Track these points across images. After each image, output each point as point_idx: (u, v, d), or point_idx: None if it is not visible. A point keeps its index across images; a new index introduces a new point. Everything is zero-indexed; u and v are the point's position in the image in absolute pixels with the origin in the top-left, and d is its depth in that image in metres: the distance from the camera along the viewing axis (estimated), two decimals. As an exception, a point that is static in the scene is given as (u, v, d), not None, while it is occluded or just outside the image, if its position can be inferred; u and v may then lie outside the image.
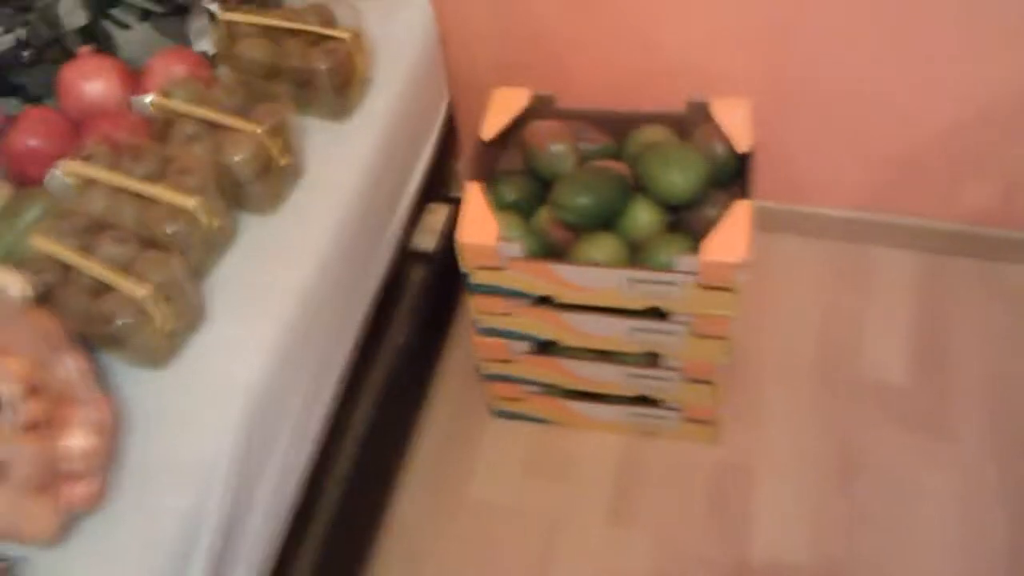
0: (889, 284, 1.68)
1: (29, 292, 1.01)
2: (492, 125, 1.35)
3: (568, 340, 1.37)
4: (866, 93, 1.49)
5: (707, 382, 1.38)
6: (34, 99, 1.30)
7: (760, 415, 1.53)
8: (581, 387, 1.47)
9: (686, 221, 1.30)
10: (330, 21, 1.32)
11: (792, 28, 1.43)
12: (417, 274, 1.54)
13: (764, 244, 1.71)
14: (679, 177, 1.25)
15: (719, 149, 1.30)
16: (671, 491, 1.47)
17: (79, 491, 0.94)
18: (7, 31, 1.26)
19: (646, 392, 1.44)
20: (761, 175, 1.41)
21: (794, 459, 1.48)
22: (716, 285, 1.20)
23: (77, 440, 0.94)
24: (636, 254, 1.28)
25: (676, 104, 1.36)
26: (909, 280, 1.68)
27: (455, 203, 1.59)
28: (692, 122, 1.35)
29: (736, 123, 1.31)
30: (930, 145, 1.54)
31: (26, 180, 1.21)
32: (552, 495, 1.48)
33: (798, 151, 1.61)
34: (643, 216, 1.28)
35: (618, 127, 1.38)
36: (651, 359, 1.38)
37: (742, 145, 1.29)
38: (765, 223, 1.70)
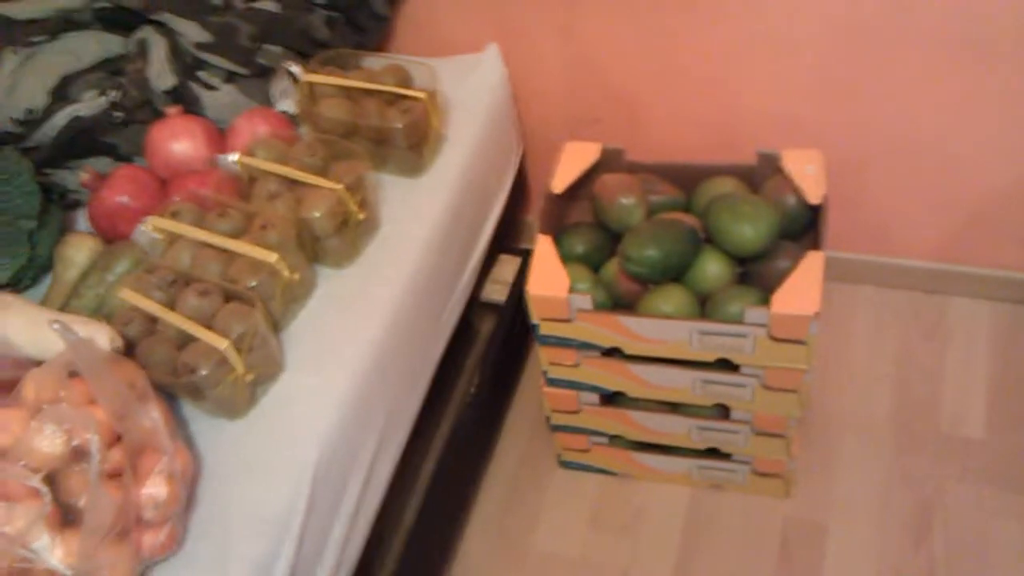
0: (967, 335, 1.64)
1: (117, 343, 1.05)
2: (562, 178, 1.37)
3: (636, 392, 1.37)
4: (942, 143, 1.48)
5: (779, 435, 1.36)
6: (124, 158, 1.36)
7: (833, 469, 1.50)
8: (649, 439, 1.46)
9: (756, 274, 1.29)
10: (407, 81, 1.37)
11: (867, 79, 1.43)
12: (487, 325, 1.56)
13: (840, 295, 1.69)
14: (749, 229, 1.25)
15: (790, 201, 1.30)
16: (740, 546, 1.44)
17: (156, 539, 0.97)
18: (101, 93, 1.32)
19: (715, 445, 1.42)
20: (836, 225, 1.41)
21: (868, 514, 1.44)
22: (787, 338, 1.19)
23: (156, 489, 0.96)
24: (705, 307, 1.27)
25: (746, 157, 1.36)
26: (987, 331, 1.64)
27: (525, 255, 1.61)
28: (763, 174, 1.35)
29: (807, 175, 1.30)
30: (1007, 194, 1.51)
31: (115, 235, 1.26)
32: (618, 548, 1.47)
33: (874, 201, 1.60)
34: (712, 268, 1.28)
35: (687, 180, 1.39)
36: (721, 411, 1.37)
37: (814, 197, 1.28)
38: (841, 273, 1.68)
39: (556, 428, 1.50)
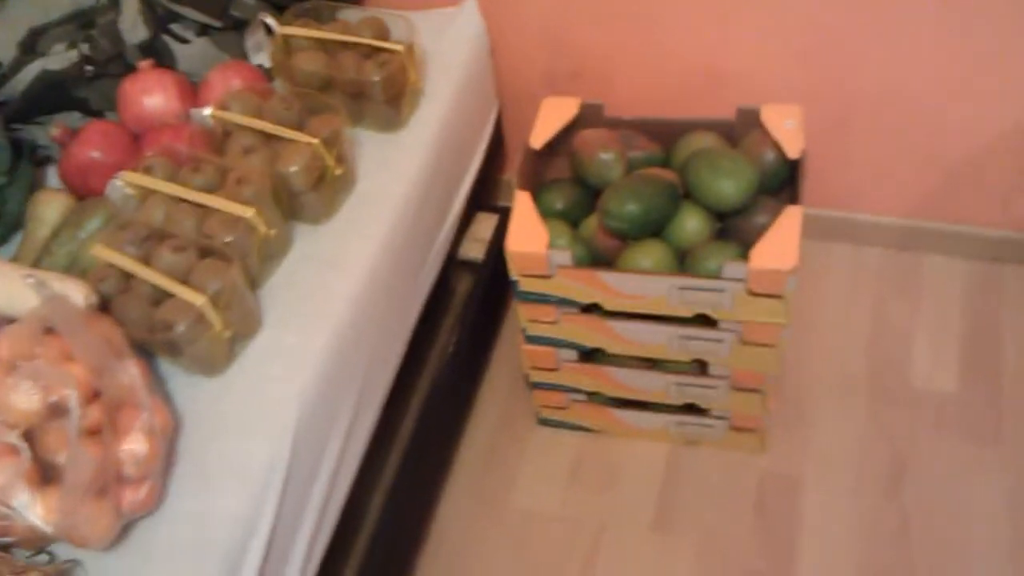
0: (940, 292, 1.66)
1: (92, 300, 1.04)
2: (541, 134, 1.36)
3: (615, 348, 1.37)
4: (919, 101, 1.48)
5: (756, 391, 1.37)
6: (96, 113, 1.33)
7: (808, 424, 1.52)
8: (627, 395, 1.47)
9: (735, 229, 1.29)
10: (384, 34, 1.35)
11: (845, 34, 1.42)
12: (465, 283, 1.56)
13: (814, 252, 1.70)
14: (728, 184, 1.25)
15: (769, 156, 1.30)
16: (717, 501, 1.46)
17: (136, 495, 0.96)
18: (70, 46, 1.29)
19: (693, 400, 1.43)
20: (811, 182, 1.41)
21: (842, 468, 1.46)
22: (765, 292, 1.20)
23: (136, 445, 0.96)
24: (684, 262, 1.28)
25: (726, 112, 1.35)
26: (960, 288, 1.66)
27: (503, 212, 1.60)
28: (742, 129, 1.35)
29: (787, 129, 1.30)
30: (983, 153, 1.52)
31: (88, 191, 1.24)
32: (596, 504, 1.49)
33: (849, 158, 1.60)
34: (691, 223, 1.28)
35: (667, 135, 1.38)
36: (698, 367, 1.38)
37: (792, 152, 1.28)
38: (815, 231, 1.69)
39: (535, 385, 1.50)
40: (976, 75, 1.42)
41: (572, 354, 1.40)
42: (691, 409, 1.46)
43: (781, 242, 1.18)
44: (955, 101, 1.47)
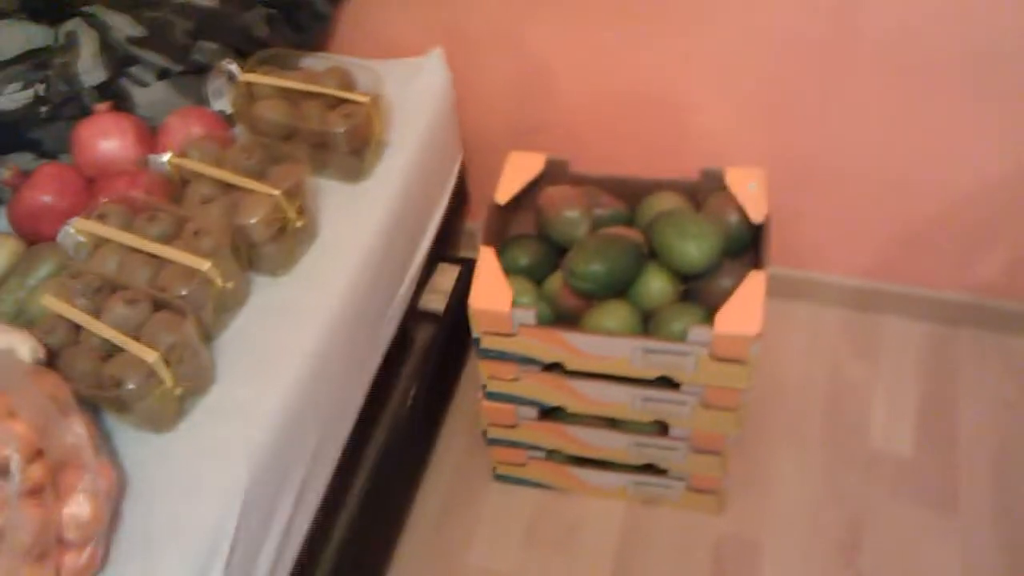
0: (898, 354, 1.67)
1: (38, 354, 1.00)
2: (506, 189, 1.35)
3: (576, 407, 1.35)
4: (876, 165, 1.50)
5: (715, 453, 1.36)
6: (49, 155, 1.30)
7: (766, 485, 1.51)
8: (586, 454, 1.45)
9: (699, 291, 1.29)
10: (349, 84, 1.33)
11: (808, 100, 1.44)
12: (424, 335, 1.53)
13: (773, 310, 1.69)
14: (694, 248, 1.25)
15: (733, 219, 1.30)
16: (674, 563, 1.44)
17: (77, 560, 0.92)
18: (25, 86, 1.26)
19: (652, 461, 1.42)
20: (774, 240, 1.41)
21: (799, 531, 1.46)
22: (729, 357, 1.19)
23: (78, 508, 0.92)
24: (648, 323, 1.27)
25: (690, 172, 1.36)
26: (918, 350, 1.67)
27: (465, 263, 1.59)
28: (706, 190, 1.35)
29: (750, 192, 1.31)
30: (939, 216, 1.54)
31: (38, 237, 1.20)
32: (553, 563, 1.46)
33: (808, 219, 1.62)
34: (656, 285, 1.28)
35: (632, 193, 1.38)
36: (658, 428, 1.36)
37: (756, 216, 1.28)
38: (774, 289, 1.69)
39: (493, 442, 1.48)
40: (936, 139, 1.44)
41: (532, 411, 1.38)
42: (650, 469, 1.44)
43: (745, 307, 1.17)
44: (914, 165, 1.49)
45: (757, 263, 1.25)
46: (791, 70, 1.41)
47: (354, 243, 1.25)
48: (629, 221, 1.38)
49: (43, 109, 1.26)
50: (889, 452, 1.54)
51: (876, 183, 1.53)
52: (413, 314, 1.48)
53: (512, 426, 1.42)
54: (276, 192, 1.15)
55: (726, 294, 1.19)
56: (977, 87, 1.36)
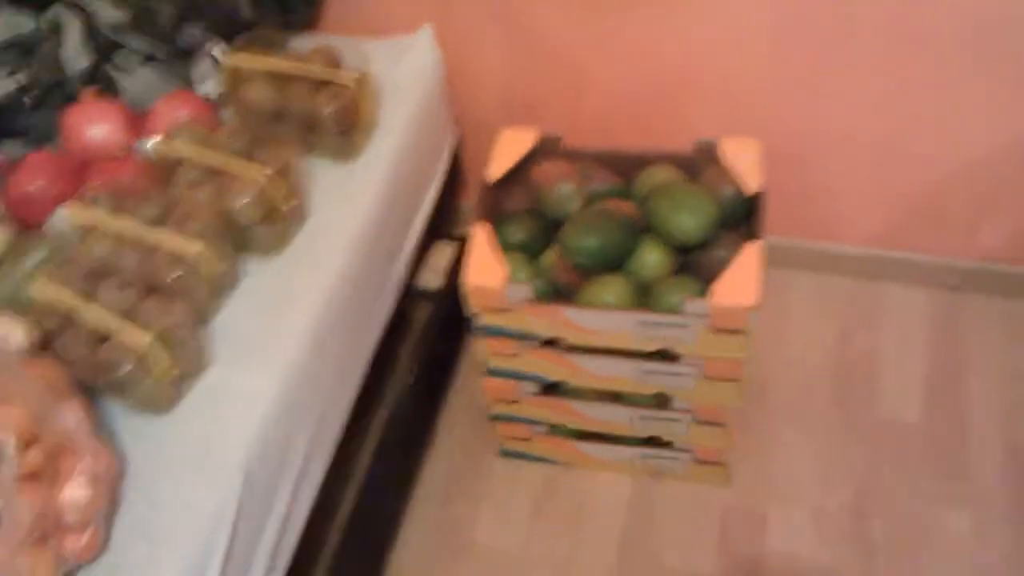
0: (904, 322, 1.65)
1: (32, 339, 1.01)
2: (499, 165, 1.34)
3: (576, 381, 1.35)
4: (881, 133, 1.48)
5: (718, 424, 1.36)
6: (37, 143, 1.30)
7: (772, 456, 1.51)
8: (589, 428, 1.45)
9: (695, 263, 1.28)
10: (336, 64, 1.32)
11: (811, 69, 1.42)
12: (422, 313, 1.53)
13: (778, 281, 1.69)
14: (689, 219, 1.24)
15: (728, 190, 1.29)
16: (681, 534, 1.44)
17: (78, 543, 0.94)
18: (10, 74, 1.26)
19: (656, 434, 1.42)
20: (775, 211, 1.40)
21: (806, 501, 1.45)
22: (727, 328, 1.18)
23: (77, 491, 0.93)
24: (645, 296, 1.26)
25: (684, 145, 1.34)
26: (924, 317, 1.66)
27: (460, 242, 1.58)
28: (701, 163, 1.33)
29: (745, 164, 1.29)
30: (945, 183, 1.53)
31: (28, 224, 1.21)
32: (559, 538, 1.46)
33: (812, 189, 1.60)
34: (652, 258, 1.27)
35: (626, 167, 1.37)
36: (661, 400, 1.36)
37: (751, 186, 1.27)
38: (779, 259, 1.69)
39: (496, 418, 1.48)
40: (938, 107, 1.42)
41: (533, 387, 1.38)
42: (655, 442, 1.44)
43: (742, 278, 1.16)
44: (917, 133, 1.47)
45: (753, 234, 1.24)
46: (792, 40, 1.39)
47: (346, 224, 1.25)
48: (624, 195, 1.36)
49: (28, 97, 1.26)
50: (897, 421, 1.53)
51: (878, 151, 1.51)
52: (410, 293, 1.48)
53: (514, 402, 1.42)
54: (265, 174, 1.15)
55: (723, 265, 1.18)
56: (980, 54, 1.33)
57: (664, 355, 1.26)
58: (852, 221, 1.64)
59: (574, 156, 1.37)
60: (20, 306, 1.11)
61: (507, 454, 1.56)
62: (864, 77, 1.41)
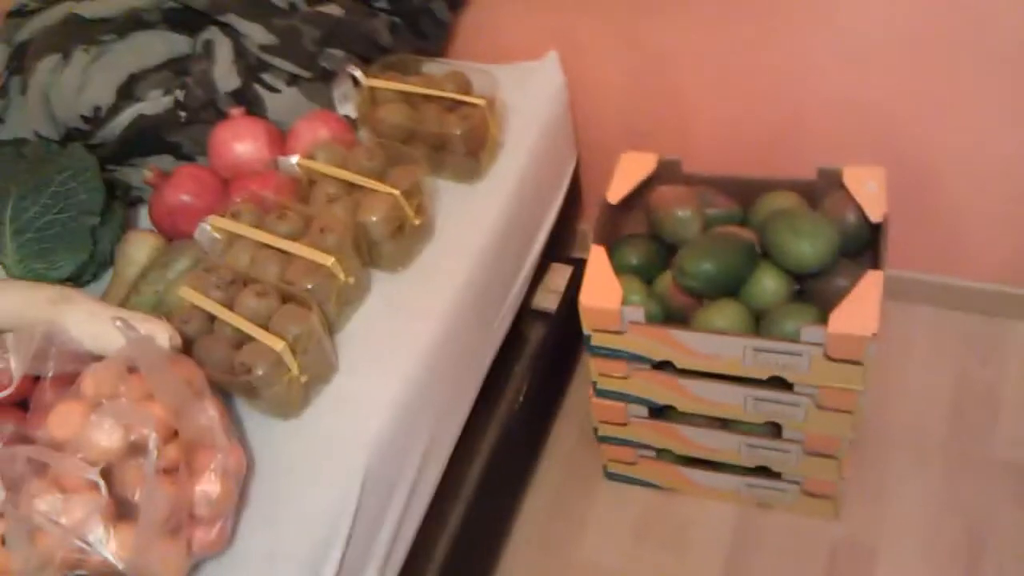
0: (1026, 360, 1.61)
1: (176, 341, 1.07)
2: (618, 189, 1.36)
3: (686, 406, 1.35)
4: (1004, 164, 1.44)
5: (830, 456, 1.34)
6: (187, 157, 1.38)
7: (884, 491, 1.48)
8: (697, 454, 1.44)
9: (813, 291, 1.27)
10: (466, 87, 1.37)
11: (935, 94, 1.40)
12: (537, 332, 1.56)
13: (897, 313, 1.66)
14: (808, 246, 1.23)
15: (850, 218, 1.28)
16: (786, 567, 1.42)
17: (207, 535, 0.98)
18: (166, 92, 1.34)
19: (764, 463, 1.41)
20: (897, 242, 1.38)
21: (918, 539, 1.42)
22: (844, 358, 1.17)
23: (209, 486, 0.97)
24: (760, 323, 1.26)
25: (807, 172, 1.34)
26: (1048, 357, 1.60)
27: (577, 263, 1.60)
28: (823, 190, 1.33)
29: (869, 192, 1.28)
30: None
31: (177, 233, 1.27)
32: (662, 563, 1.46)
33: (937, 219, 1.56)
34: (769, 284, 1.27)
35: (745, 193, 1.37)
36: (771, 430, 1.35)
37: (875, 215, 1.26)
38: (898, 292, 1.65)
39: (603, 439, 1.49)
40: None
41: (642, 410, 1.39)
42: (763, 472, 1.43)
43: (861, 307, 1.15)
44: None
45: (875, 264, 1.23)
46: (915, 64, 1.37)
47: (469, 242, 1.28)
48: (742, 221, 1.37)
49: (181, 114, 1.34)
50: (1015, 459, 1.48)
51: (1002, 183, 1.47)
52: (526, 313, 1.51)
53: (622, 424, 1.43)
54: (396, 191, 1.20)
55: (841, 294, 1.18)
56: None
57: (777, 382, 1.25)
58: (976, 254, 1.60)
59: (693, 181, 1.38)
60: (166, 310, 1.18)
61: (612, 476, 1.57)
62: (993, 107, 1.38)
